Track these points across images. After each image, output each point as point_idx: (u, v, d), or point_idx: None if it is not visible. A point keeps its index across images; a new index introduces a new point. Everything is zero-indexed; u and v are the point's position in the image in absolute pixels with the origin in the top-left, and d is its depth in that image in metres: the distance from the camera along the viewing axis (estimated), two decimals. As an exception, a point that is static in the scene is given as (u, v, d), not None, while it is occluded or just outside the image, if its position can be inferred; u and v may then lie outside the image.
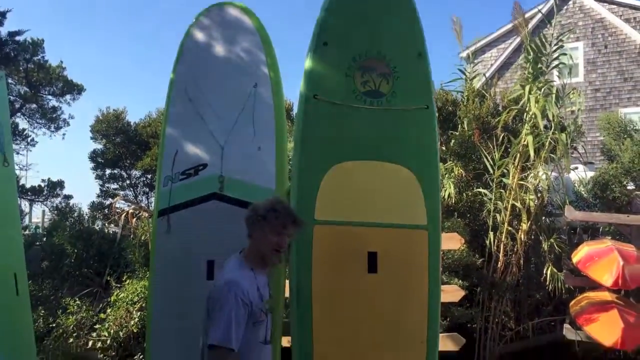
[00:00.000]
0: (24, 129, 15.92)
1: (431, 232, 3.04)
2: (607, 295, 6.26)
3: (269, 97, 3.49)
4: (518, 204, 7.11)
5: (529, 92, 6.92)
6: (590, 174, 9.20)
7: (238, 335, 2.41)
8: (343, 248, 2.95)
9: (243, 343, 2.47)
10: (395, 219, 3.01)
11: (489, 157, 7.41)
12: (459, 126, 8.17)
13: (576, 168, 9.46)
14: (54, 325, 5.43)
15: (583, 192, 9.04)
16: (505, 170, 7.30)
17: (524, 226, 7.21)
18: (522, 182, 7.17)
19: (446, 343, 4.07)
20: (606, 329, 5.60)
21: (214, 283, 2.58)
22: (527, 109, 7.09)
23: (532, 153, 6.71)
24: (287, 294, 3.37)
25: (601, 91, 16.53)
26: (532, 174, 7.20)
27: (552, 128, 6.96)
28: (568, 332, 6.62)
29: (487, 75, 13.79)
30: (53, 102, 16.33)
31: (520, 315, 8.23)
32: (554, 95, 6.90)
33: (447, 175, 7.46)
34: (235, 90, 3.50)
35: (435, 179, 3.18)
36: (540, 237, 7.43)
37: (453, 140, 7.97)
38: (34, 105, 15.80)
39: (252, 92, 3.49)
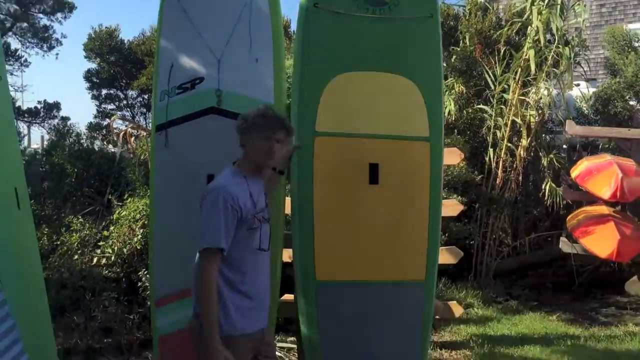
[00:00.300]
0: (16, 49, 15.59)
1: (433, 144, 3.01)
2: (604, 209, 6.34)
3: (266, 7, 3.36)
4: (518, 120, 7.07)
5: (532, 4, 6.71)
6: (593, 90, 9.10)
7: (227, 237, 2.44)
8: (344, 160, 2.93)
9: (237, 249, 2.50)
10: (397, 130, 2.98)
11: (490, 73, 7.30)
12: (461, 42, 8.01)
13: (578, 85, 9.35)
14: (58, 243, 5.50)
15: (584, 109, 8.98)
16: (506, 86, 7.21)
17: (524, 142, 7.21)
18: (523, 98, 7.11)
19: (444, 256, 4.14)
20: (602, 241, 5.71)
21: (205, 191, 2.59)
22: (530, 22, 6.91)
23: (533, 67, 6.60)
24: (287, 211, 3.38)
25: (606, 6, 16.06)
26: (533, 90, 7.11)
27: (556, 42, 6.81)
28: (564, 245, 6.75)
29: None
30: (44, 20, 15.93)
31: (517, 232, 8.37)
32: (558, 7, 6.70)
33: (447, 92, 7.37)
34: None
35: (438, 90, 3.12)
36: (540, 154, 7.45)
37: (454, 56, 7.84)
38: (25, 24, 15.37)
39: (248, 1, 3.36)
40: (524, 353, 5.04)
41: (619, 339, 5.49)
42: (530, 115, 7.09)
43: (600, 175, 5.90)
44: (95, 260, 5.31)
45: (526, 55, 6.75)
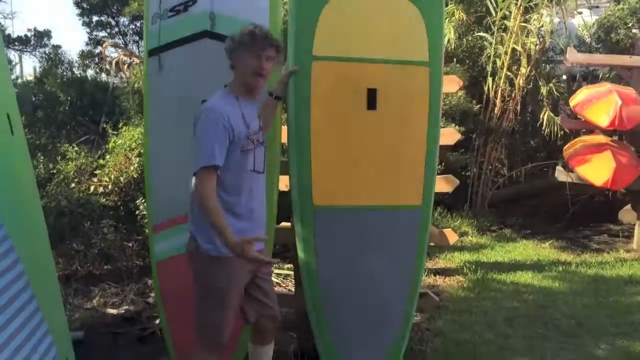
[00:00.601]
0: (4, -25, 15.08)
1: (433, 69, 2.94)
2: (601, 138, 6.34)
3: None
4: (519, 48, 6.95)
5: None
6: (595, 18, 8.91)
7: (221, 153, 2.44)
8: (342, 85, 2.86)
9: (231, 171, 2.50)
10: (397, 54, 2.90)
11: (491, -1, 7.11)
12: (462, -34, 7.75)
13: (580, 13, 9.15)
14: (54, 171, 5.49)
15: (586, 37, 8.82)
16: (507, 12, 7.04)
17: (524, 71, 7.11)
18: (524, 25, 6.95)
19: (441, 184, 4.14)
20: (598, 170, 5.73)
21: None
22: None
23: (536, -9, 6.41)
24: (284, 140, 3.35)
25: None
26: (535, 16, 6.95)
27: (560, -34, 6.61)
28: (560, 174, 6.79)
29: None
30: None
31: (513, 162, 8.41)
32: None
33: (447, 20, 7.19)
34: None
35: (439, 13, 3.01)
36: (539, 83, 7.37)
37: (455, -19, 7.60)
38: (11, -53, 14.80)
39: None
40: (516, 279, 5.16)
41: (609, 265, 5.62)
42: (530, 42, 6.96)
43: (599, 102, 5.86)
44: (92, 188, 5.31)
45: (529, -21, 6.56)
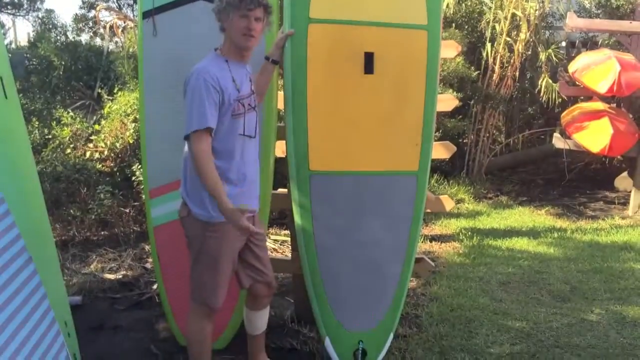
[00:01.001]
0: None
1: (431, 32, 2.90)
2: (599, 105, 6.31)
3: None
4: (519, 12, 6.86)
5: None
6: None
7: (212, 115, 2.42)
8: (339, 48, 2.83)
9: (221, 135, 2.49)
10: (394, 18, 2.85)
11: (492, -38, 7.00)
12: None
13: (582, -23, 9.00)
14: (49, 137, 5.46)
15: (586, 2, 8.71)
16: (508, -23, 6.93)
17: (523, 36, 7.03)
18: (525, -11, 6.86)
19: (438, 150, 4.13)
20: (595, 136, 5.73)
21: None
22: None
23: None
24: (280, 105, 3.33)
25: None
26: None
27: None
28: (557, 141, 6.78)
29: None
30: None
31: (511, 129, 8.39)
32: None
33: (446, -17, 7.09)
34: None
35: (438, -25, 2.97)
36: (538, 49, 7.30)
37: (455, -56, 7.46)
38: None
39: None
40: (512, 245, 5.19)
41: (605, 231, 5.65)
42: (530, 7, 6.88)
43: (598, 68, 5.82)
44: (88, 154, 5.29)
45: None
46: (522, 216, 6.26)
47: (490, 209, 6.50)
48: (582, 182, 7.62)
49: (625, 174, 7.15)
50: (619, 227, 5.80)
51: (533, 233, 5.58)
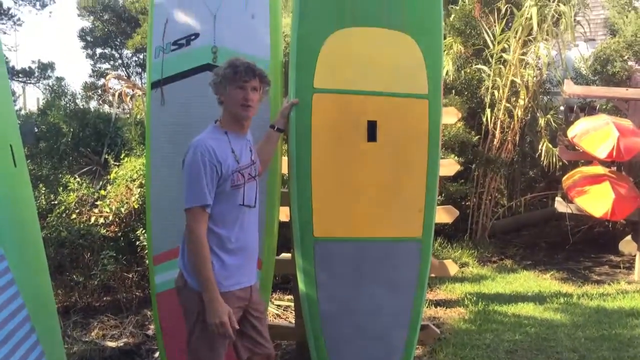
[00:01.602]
0: (9, 8, 15.34)
1: (432, 101, 2.99)
2: (599, 169, 6.37)
3: (263, -40, 3.29)
4: (518, 80, 7.02)
5: (535, -40, 6.60)
6: (592, 51, 9.03)
7: (210, 192, 2.44)
8: (342, 117, 2.91)
9: (221, 206, 2.50)
10: (396, 87, 2.95)
11: (489, 32, 7.22)
12: (459, 0, 7.89)
13: (577, 45, 9.26)
14: (55, 202, 5.49)
15: (583, 69, 8.93)
16: (505, 46, 7.15)
17: (522, 102, 7.17)
18: (522, 57, 7.05)
19: (441, 215, 4.16)
20: (597, 201, 5.74)
21: None
22: (531, -21, 6.80)
23: (535, 25, 6.52)
24: (284, 170, 3.38)
25: (608, -35, 15.80)
26: (533, 49, 7.05)
27: (556, 0, 6.73)
28: (559, 205, 6.80)
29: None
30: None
31: (513, 192, 8.43)
32: (560, -36, 6.61)
33: (445, 52, 7.29)
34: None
35: (438, 47, 3.07)
36: (537, 114, 7.43)
37: (453, 15, 7.73)
38: (17, -18, 15.11)
39: (244, -46, 3.28)
40: (518, 311, 5.12)
41: (611, 297, 5.58)
42: (528, 75, 7.05)
43: (596, 134, 5.90)
44: (93, 219, 5.30)
45: (528, 13, 6.67)
46: (528, 280, 6.20)
47: (495, 273, 6.45)
48: (586, 246, 7.58)
49: (629, 237, 7.12)
50: (625, 292, 5.74)
51: (539, 298, 5.52)
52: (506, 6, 7.05)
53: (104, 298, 5.01)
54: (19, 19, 15.54)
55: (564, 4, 6.70)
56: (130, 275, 5.03)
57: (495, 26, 7.14)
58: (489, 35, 7.20)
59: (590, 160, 6.71)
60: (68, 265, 4.95)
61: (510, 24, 7.24)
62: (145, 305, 4.84)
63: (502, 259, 7.11)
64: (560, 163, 7.27)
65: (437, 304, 5.31)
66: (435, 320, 4.87)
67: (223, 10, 3.29)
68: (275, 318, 4.75)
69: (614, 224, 7.87)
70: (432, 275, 4.87)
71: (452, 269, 4.25)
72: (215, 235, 2.50)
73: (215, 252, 2.48)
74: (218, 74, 2.59)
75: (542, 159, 7.27)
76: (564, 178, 6.81)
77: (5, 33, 14.41)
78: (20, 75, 13.84)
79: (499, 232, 7.91)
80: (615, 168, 6.83)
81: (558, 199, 7.09)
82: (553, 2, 6.80)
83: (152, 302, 3.30)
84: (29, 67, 14.33)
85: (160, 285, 3.25)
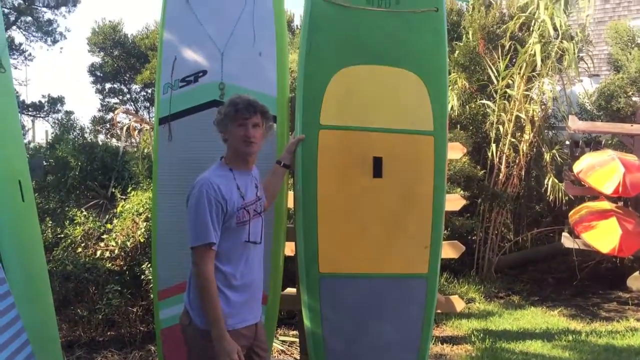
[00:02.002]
0: (20, 43, 15.65)
1: (437, 138, 3.01)
2: (606, 204, 6.34)
3: (269, -1, 3.37)
4: (522, 115, 7.07)
5: (539, -2, 6.70)
6: (596, 86, 9.10)
7: (215, 230, 2.44)
8: (348, 153, 2.93)
9: (226, 243, 2.50)
10: (402, 124, 2.98)
11: (493, 68, 7.30)
12: (464, 37, 8.00)
13: (581, 81, 9.34)
14: (62, 235, 5.51)
15: (587, 105, 8.97)
16: (510, 81, 7.21)
17: (527, 137, 7.20)
18: (527, 93, 7.10)
19: (447, 250, 4.15)
20: (604, 237, 5.71)
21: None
22: (535, 17, 6.89)
23: (539, 62, 6.59)
24: (290, 205, 3.39)
25: (610, 2, 16.00)
26: (537, 85, 7.11)
27: (560, 37, 6.80)
28: (566, 240, 6.76)
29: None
30: (49, 14, 15.97)
31: (519, 227, 8.38)
32: (562, 2, 6.70)
33: (450, 88, 7.36)
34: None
35: (444, 84, 3.11)
36: (543, 149, 7.45)
37: (457, 51, 7.82)
38: (30, 18, 15.41)
39: (252, -7, 3.36)
40: (525, 348, 5.05)
41: (620, 334, 5.50)
42: (533, 110, 7.09)
43: (602, 170, 5.90)
44: (98, 253, 5.31)
45: (532, 50, 6.75)
46: (535, 317, 6.13)
47: (502, 309, 6.37)
48: (594, 282, 7.50)
49: (637, 273, 7.05)
50: (634, 329, 5.65)
51: (547, 335, 5.44)
52: (510, 43, 7.13)
53: (108, 333, 4.98)
54: (30, 54, 15.86)
55: (567, 41, 6.77)
56: (135, 310, 5.01)
57: (499, 62, 7.21)
58: (493, 71, 7.27)
59: (596, 195, 6.69)
60: (73, 299, 4.94)
61: (514, 60, 7.31)
62: (150, 340, 4.81)
63: (509, 294, 7.03)
64: (567, 198, 7.25)
65: (444, 340, 5.24)
66: (442, 357, 4.81)
67: (231, 47, 3.35)
68: (280, 354, 4.70)
69: (621, 260, 7.80)
70: (439, 311, 4.83)
71: (459, 305, 4.22)
72: (220, 272, 2.49)
73: (220, 290, 2.47)
74: (220, 112, 2.62)
75: (548, 193, 7.26)
76: (570, 213, 6.78)
77: (16, 68, 14.65)
78: (30, 109, 14.04)
79: (505, 267, 7.85)
80: (622, 204, 6.81)
81: (565, 234, 7.05)
82: (556, 39, 6.88)
83: (157, 338, 3.28)
84: (39, 101, 14.55)
85: (164, 321, 3.24)
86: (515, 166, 7.33)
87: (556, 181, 7.17)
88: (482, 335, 5.32)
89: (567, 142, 8.72)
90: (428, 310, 3.02)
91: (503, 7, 8.80)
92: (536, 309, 6.43)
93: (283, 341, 4.95)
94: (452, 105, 7.27)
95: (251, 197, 2.62)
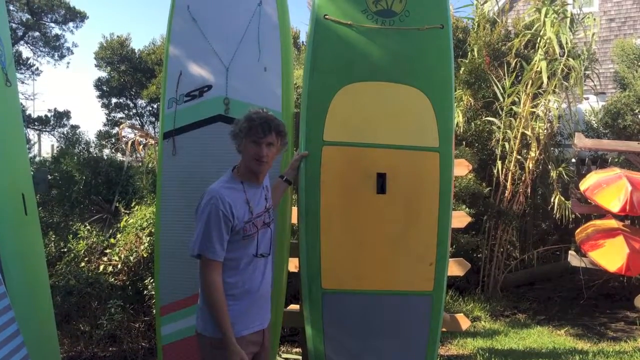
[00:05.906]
0: (27, 58, 15.79)
1: (443, 154, 2.99)
2: (613, 223, 6.29)
3: (274, 15, 3.37)
4: (528, 132, 7.04)
5: (545, 15, 6.70)
6: (602, 104, 9.08)
7: (221, 245, 2.44)
8: (352, 169, 2.92)
9: (234, 254, 2.50)
10: (407, 140, 2.96)
11: (499, 85, 7.29)
12: (469, 54, 8.01)
13: (587, 99, 9.33)
14: (65, 250, 5.49)
15: (593, 122, 8.95)
16: (516, 99, 7.20)
17: (533, 154, 7.17)
18: (533, 110, 7.08)
19: (452, 267, 4.10)
20: (611, 255, 5.65)
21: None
22: (541, 34, 6.90)
23: (545, 79, 6.57)
24: (294, 220, 3.37)
25: (616, 21, 16.03)
26: (543, 102, 7.10)
27: (565, 55, 6.80)
28: (573, 259, 6.69)
29: (499, 1, 13.33)
30: (56, 30, 16.13)
31: (525, 245, 8.32)
32: (568, 20, 6.71)
33: (455, 104, 7.35)
34: (239, 7, 3.38)
35: (449, 100, 3.10)
36: (549, 167, 7.41)
37: (463, 68, 7.83)
38: (37, 34, 15.55)
39: (257, 10, 3.37)
40: (532, 368, 4.98)
41: (628, 354, 5.42)
42: (539, 127, 7.07)
43: (609, 188, 5.86)
44: (101, 267, 5.29)
45: (537, 67, 6.74)
46: (541, 336, 6.05)
47: (508, 328, 6.30)
48: (601, 301, 7.42)
49: (645, 292, 6.96)
50: (642, 349, 5.57)
51: (553, 355, 5.36)
52: (515, 60, 7.13)
53: (110, 348, 4.94)
54: (37, 69, 15.98)
55: (574, 59, 6.77)
56: (137, 325, 4.97)
57: (504, 79, 7.21)
58: (498, 88, 7.27)
59: (603, 213, 6.64)
60: (75, 314, 4.91)
61: (520, 77, 7.30)
62: (151, 356, 4.77)
63: (515, 313, 6.96)
64: (573, 216, 7.20)
65: (449, 359, 5.18)
66: (447, 376, 4.74)
67: (236, 63, 3.36)
68: (282, 372, 4.65)
69: (629, 279, 7.72)
70: (444, 329, 4.77)
71: (464, 323, 4.16)
72: (226, 283, 2.49)
73: (226, 299, 2.45)
74: (237, 124, 2.61)
75: (554, 211, 7.21)
76: (577, 231, 6.72)
77: (23, 82, 14.75)
78: (36, 123, 14.11)
79: (511, 286, 7.77)
80: (629, 222, 6.75)
81: (571, 252, 6.98)
82: (562, 56, 6.88)
83: (158, 354, 3.25)
84: (45, 116, 14.63)
85: (166, 337, 3.21)
86: (521, 183, 7.29)
87: (562, 199, 7.13)
88: (487, 354, 5.25)
89: (574, 160, 8.69)
90: (433, 329, 2.98)
91: (509, 25, 8.83)
92: (542, 328, 6.35)
93: (286, 358, 4.90)
94: (458, 122, 7.26)
95: (260, 209, 2.62)
